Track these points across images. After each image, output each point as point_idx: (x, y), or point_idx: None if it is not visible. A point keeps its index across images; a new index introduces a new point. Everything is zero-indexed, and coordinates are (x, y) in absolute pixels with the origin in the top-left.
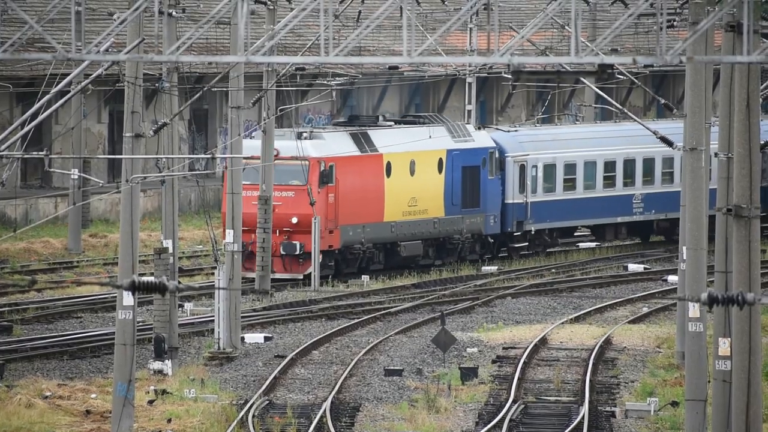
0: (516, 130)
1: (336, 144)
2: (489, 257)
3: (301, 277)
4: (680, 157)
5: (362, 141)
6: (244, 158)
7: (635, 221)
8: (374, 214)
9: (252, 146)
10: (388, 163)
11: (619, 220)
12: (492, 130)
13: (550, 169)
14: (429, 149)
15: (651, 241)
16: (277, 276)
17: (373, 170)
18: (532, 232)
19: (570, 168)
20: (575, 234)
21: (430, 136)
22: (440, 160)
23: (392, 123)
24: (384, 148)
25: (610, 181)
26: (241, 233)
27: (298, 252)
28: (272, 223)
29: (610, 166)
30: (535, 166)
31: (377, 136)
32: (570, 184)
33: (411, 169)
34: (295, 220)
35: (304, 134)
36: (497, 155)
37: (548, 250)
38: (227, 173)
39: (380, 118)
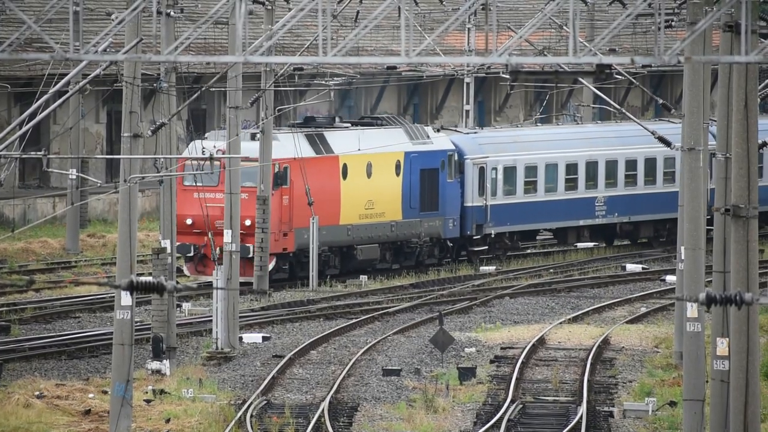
0: (475, 132)
1: (291, 145)
2: (448, 261)
3: (254, 279)
4: (644, 159)
5: (318, 143)
6: (191, 159)
7: (598, 224)
8: (330, 216)
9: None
10: (345, 165)
11: (582, 223)
12: (451, 132)
13: (510, 172)
14: (386, 151)
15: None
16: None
17: (329, 172)
18: (492, 236)
19: (531, 170)
20: (537, 237)
21: (389, 139)
22: (398, 163)
23: (349, 125)
24: (340, 150)
25: (572, 184)
26: (239, 233)
27: (251, 254)
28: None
29: (571, 168)
30: (495, 169)
31: (333, 137)
32: (531, 186)
33: (368, 171)
34: (248, 222)
35: (258, 135)
36: (456, 158)
37: (509, 253)
38: (225, 174)
39: (337, 119)
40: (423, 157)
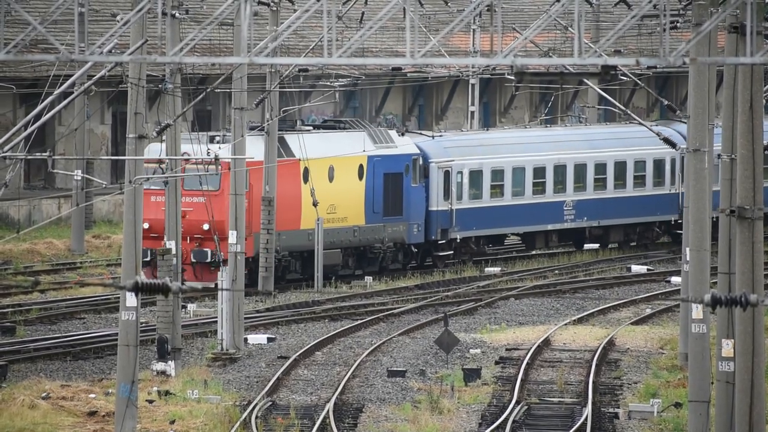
0: (441, 136)
1: (250, 148)
2: (413, 266)
3: (213, 285)
4: (614, 163)
5: (278, 146)
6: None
7: (566, 228)
8: (290, 221)
9: (157, 150)
10: (306, 169)
11: (550, 227)
12: (415, 135)
13: (476, 176)
14: (349, 155)
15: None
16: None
17: (290, 176)
18: (458, 240)
19: (497, 174)
20: (505, 242)
21: (351, 142)
22: (361, 167)
23: (311, 128)
24: (301, 154)
25: (539, 188)
26: (244, 235)
27: (209, 259)
28: (183, 230)
29: (539, 172)
30: (461, 173)
31: (294, 140)
32: (497, 190)
33: (330, 175)
34: (206, 226)
35: (217, 138)
36: (421, 161)
37: (475, 258)
38: (231, 175)
39: (299, 122)
40: (387, 161)
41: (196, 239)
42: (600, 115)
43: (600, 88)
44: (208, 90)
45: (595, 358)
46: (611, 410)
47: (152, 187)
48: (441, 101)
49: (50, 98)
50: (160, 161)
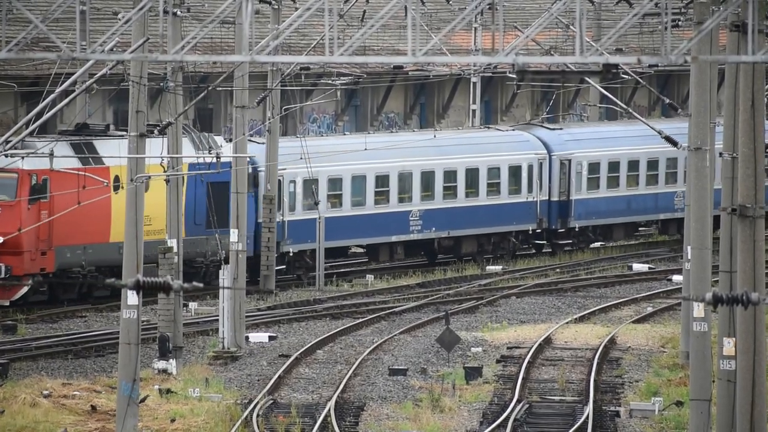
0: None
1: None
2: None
3: (8, 303)
4: (464, 170)
5: (86, 152)
6: None
7: (413, 240)
8: (98, 234)
9: None
10: (117, 177)
11: (394, 239)
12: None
13: (311, 185)
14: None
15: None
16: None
17: (98, 185)
18: (291, 254)
19: (335, 183)
20: (349, 254)
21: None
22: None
23: (124, 133)
24: (112, 161)
25: (382, 197)
26: (245, 233)
27: (3, 275)
28: None
29: (382, 180)
30: (294, 181)
31: (105, 147)
32: (336, 200)
33: (145, 184)
34: (0, 239)
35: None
36: (250, 170)
37: (310, 274)
38: (233, 173)
39: (111, 127)
40: (211, 169)
41: None
42: (602, 114)
43: (601, 87)
44: (210, 88)
45: (597, 357)
46: (612, 409)
47: None
48: (442, 100)
49: (52, 96)
50: None
